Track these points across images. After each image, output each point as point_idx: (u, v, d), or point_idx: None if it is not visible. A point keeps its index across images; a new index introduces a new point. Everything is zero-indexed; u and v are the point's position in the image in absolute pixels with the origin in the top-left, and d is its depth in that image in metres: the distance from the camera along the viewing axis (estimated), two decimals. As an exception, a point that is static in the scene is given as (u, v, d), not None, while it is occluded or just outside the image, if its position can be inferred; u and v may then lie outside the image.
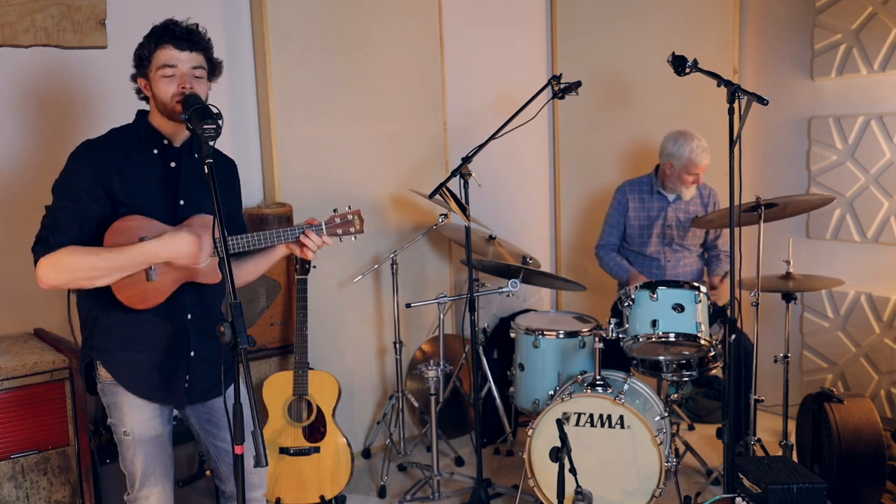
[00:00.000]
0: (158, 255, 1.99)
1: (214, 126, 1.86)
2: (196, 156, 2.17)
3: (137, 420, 2.16)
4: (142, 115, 2.16)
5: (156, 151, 2.12)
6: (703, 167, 3.56)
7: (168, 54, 2.03)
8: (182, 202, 2.12)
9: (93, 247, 1.99)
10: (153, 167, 2.11)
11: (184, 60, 2.04)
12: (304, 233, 2.18)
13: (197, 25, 2.10)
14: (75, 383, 2.61)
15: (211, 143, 1.85)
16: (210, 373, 2.21)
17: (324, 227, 2.23)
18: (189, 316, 2.16)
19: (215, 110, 1.91)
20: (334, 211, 2.27)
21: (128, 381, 2.14)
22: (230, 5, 3.41)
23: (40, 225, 2.02)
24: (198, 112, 1.89)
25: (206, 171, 1.82)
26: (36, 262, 1.96)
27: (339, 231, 2.26)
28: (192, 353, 2.18)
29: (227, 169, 2.32)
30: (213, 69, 2.14)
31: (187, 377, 2.19)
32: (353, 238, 2.28)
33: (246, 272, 2.28)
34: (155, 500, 2.21)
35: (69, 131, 3.03)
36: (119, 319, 2.09)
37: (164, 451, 2.23)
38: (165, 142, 2.13)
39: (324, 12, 3.55)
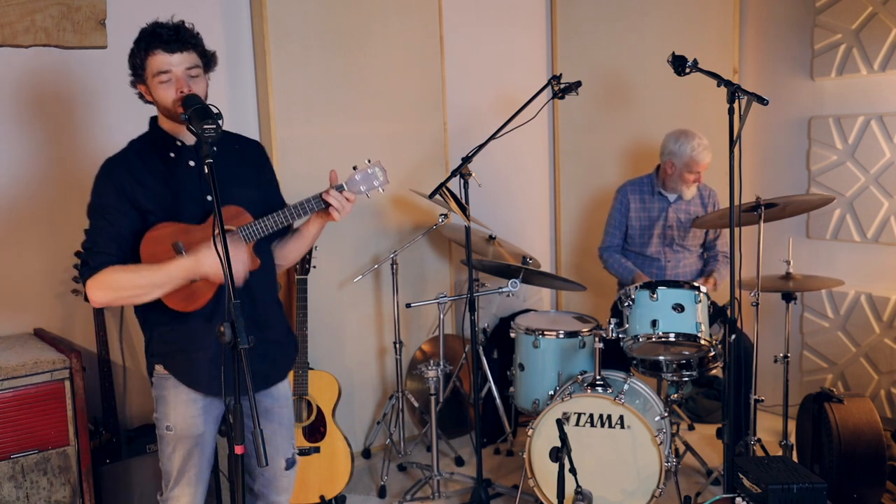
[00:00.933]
0: (195, 271, 2.00)
1: (214, 126, 1.86)
2: (215, 149, 2.17)
3: (182, 416, 2.16)
4: (154, 121, 2.18)
5: (172, 154, 2.13)
6: (704, 165, 3.56)
7: (160, 60, 2.02)
8: (209, 198, 2.12)
9: (133, 265, 2.03)
10: (172, 170, 2.12)
11: (176, 63, 2.02)
12: (326, 193, 2.13)
13: (183, 22, 2.07)
14: (75, 383, 2.61)
15: (210, 143, 1.85)
16: (264, 360, 2.20)
17: (345, 185, 2.17)
18: None
19: (215, 110, 1.91)
20: (354, 168, 2.21)
21: (189, 379, 2.16)
22: (230, 5, 3.41)
23: (82, 248, 2.08)
24: (197, 112, 1.89)
25: (207, 171, 1.81)
26: (84, 285, 2.03)
27: (363, 187, 2.19)
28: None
29: (254, 153, 2.31)
30: (208, 63, 2.12)
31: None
32: (380, 190, 2.21)
33: (289, 251, 2.31)
34: (186, 501, 2.20)
35: (69, 132, 3.03)
36: (172, 324, 2.13)
37: (202, 454, 2.21)
38: (178, 143, 2.14)
39: (324, 12, 3.55)
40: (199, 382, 2.16)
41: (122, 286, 2.01)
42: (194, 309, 2.09)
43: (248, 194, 2.16)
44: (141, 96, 2.14)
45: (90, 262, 2.03)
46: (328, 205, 2.14)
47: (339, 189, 2.15)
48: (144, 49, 2.02)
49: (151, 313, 2.14)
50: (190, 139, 2.14)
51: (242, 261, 2.02)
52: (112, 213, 2.05)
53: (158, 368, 2.18)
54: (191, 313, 2.10)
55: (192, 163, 2.14)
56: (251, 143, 2.33)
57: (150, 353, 2.21)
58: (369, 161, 2.21)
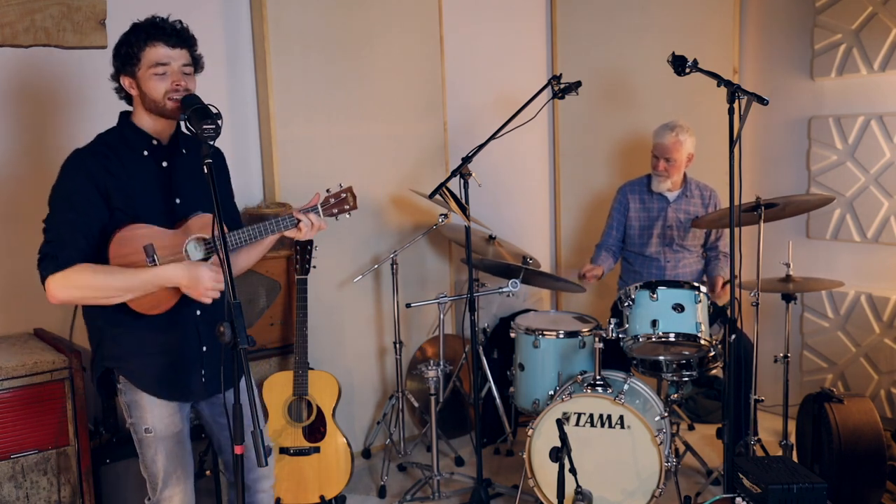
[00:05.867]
0: (173, 281, 2.01)
1: (214, 126, 1.87)
2: (184, 151, 2.18)
3: (159, 416, 2.15)
4: (124, 116, 2.15)
5: (146, 153, 2.11)
6: (667, 147, 3.53)
7: (160, 52, 2.03)
8: (178, 200, 2.13)
9: (106, 266, 1.98)
10: (146, 168, 2.10)
11: (175, 58, 2.05)
12: (299, 220, 2.18)
13: (181, 22, 2.09)
14: (75, 383, 2.60)
15: (210, 143, 1.86)
16: (219, 365, 2.20)
17: (319, 209, 2.22)
18: (198, 312, 2.17)
19: (214, 110, 1.92)
20: (327, 191, 2.26)
21: (146, 384, 2.14)
22: (230, 5, 3.40)
23: (44, 238, 2.00)
24: (197, 112, 1.90)
25: (206, 171, 1.82)
26: (44, 278, 1.95)
27: (335, 210, 2.26)
28: (205, 349, 2.20)
29: (217, 160, 2.30)
30: (197, 64, 2.14)
31: (203, 371, 2.20)
32: (348, 215, 2.28)
33: (240, 260, 2.30)
34: (178, 500, 2.20)
35: (68, 131, 3.03)
36: (129, 326, 2.10)
37: (184, 450, 2.22)
38: (154, 142, 2.12)
39: (324, 12, 3.55)
40: (159, 390, 2.15)
41: (93, 286, 1.95)
42: (160, 312, 2.08)
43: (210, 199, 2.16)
44: (119, 90, 2.13)
45: (58, 256, 1.93)
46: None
47: (316, 213, 2.21)
48: (144, 39, 2.02)
49: (108, 312, 2.07)
50: (165, 139, 2.14)
51: (221, 286, 2.04)
52: (82, 203, 1.98)
53: (122, 379, 2.15)
54: (152, 315, 2.07)
55: (165, 163, 2.13)
56: (215, 149, 2.32)
57: (101, 357, 2.15)
58: (341, 185, 2.28)
